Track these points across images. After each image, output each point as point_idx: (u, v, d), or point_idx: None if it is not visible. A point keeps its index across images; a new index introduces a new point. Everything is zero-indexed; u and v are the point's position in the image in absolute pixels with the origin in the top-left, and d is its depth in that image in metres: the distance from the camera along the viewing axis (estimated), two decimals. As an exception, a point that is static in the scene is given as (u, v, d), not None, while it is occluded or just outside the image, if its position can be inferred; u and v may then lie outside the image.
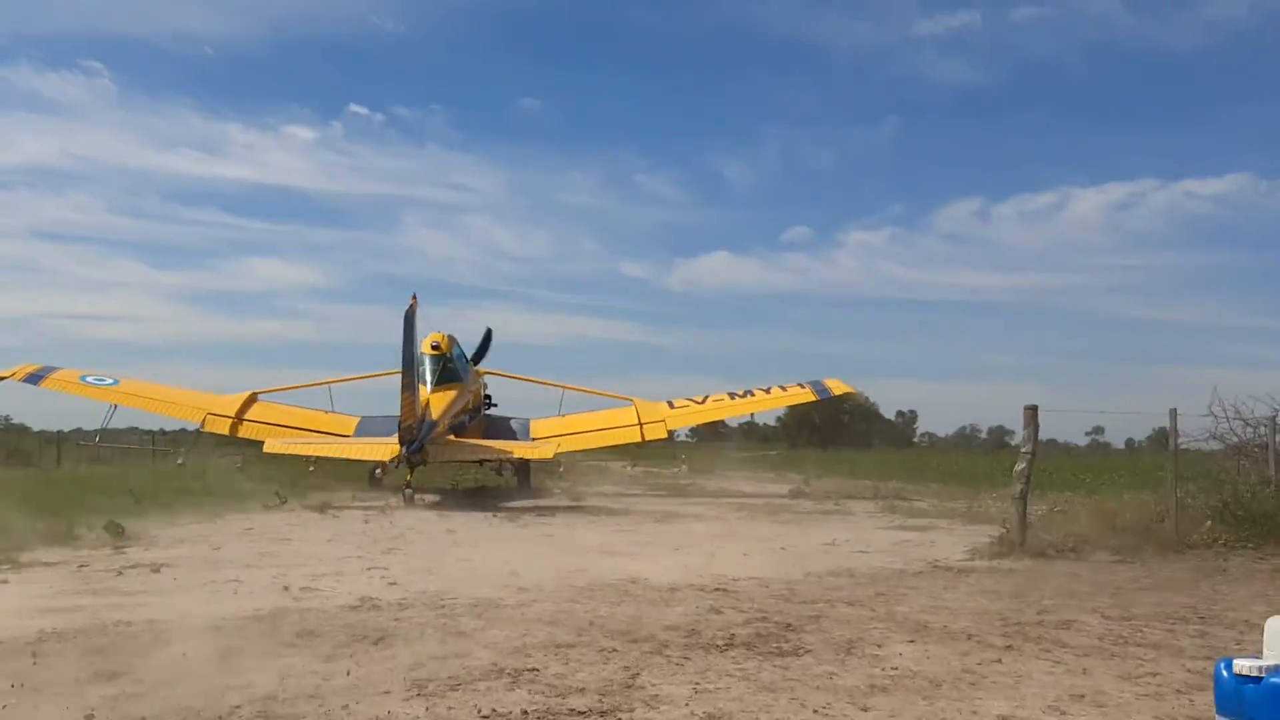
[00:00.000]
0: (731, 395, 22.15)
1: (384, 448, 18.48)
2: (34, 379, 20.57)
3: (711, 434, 44.01)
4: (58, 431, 37.59)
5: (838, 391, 23.36)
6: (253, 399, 20.70)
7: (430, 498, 19.89)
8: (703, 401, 22.21)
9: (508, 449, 20.48)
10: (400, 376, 17.43)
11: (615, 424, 21.17)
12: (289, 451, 19.15)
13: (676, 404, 21.95)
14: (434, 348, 19.83)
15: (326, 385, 21.27)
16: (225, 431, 20.23)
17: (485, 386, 22.78)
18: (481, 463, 21.86)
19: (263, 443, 19.41)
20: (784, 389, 22.84)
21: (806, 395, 23.00)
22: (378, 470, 19.71)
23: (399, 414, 17.74)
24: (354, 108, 66.64)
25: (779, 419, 76.13)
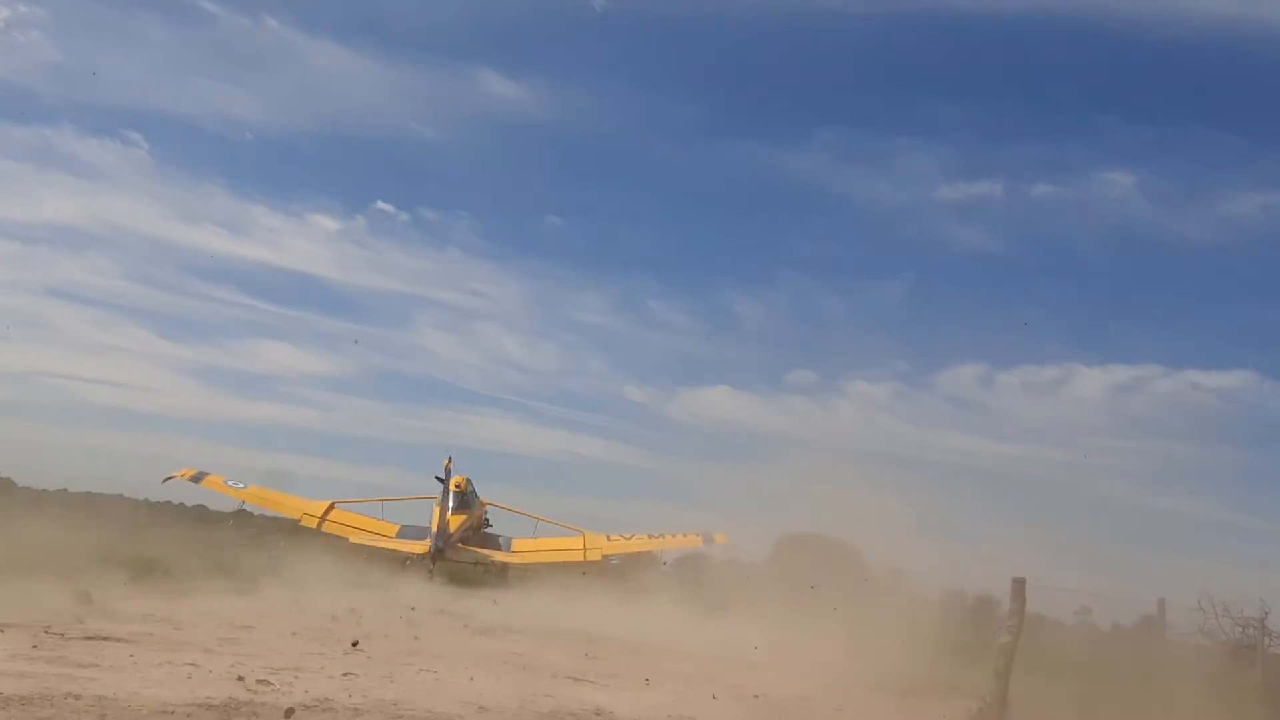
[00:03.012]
0: (650, 535, 29.13)
1: (417, 545, 26.70)
2: (195, 479, 27.97)
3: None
4: (41, 491, 36.85)
5: (719, 541, 28.55)
6: (332, 506, 28.30)
7: (435, 576, 25.88)
8: (630, 538, 29.12)
9: (488, 554, 28.75)
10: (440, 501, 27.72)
11: (566, 548, 28.65)
12: (346, 536, 26.86)
13: (612, 538, 28.80)
14: (456, 486, 28.80)
15: (380, 501, 29.70)
16: (314, 526, 27.65)
17: (486, 512, 30.69)
18: (475, 563, 29.75)
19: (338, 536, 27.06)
20: (685, 535, 28.88)
21: (696, 542, 28.85)
22: (407, 560, 27.07)
23: (429, 525, 27.01)
24: (381, 205, 67.92)
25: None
